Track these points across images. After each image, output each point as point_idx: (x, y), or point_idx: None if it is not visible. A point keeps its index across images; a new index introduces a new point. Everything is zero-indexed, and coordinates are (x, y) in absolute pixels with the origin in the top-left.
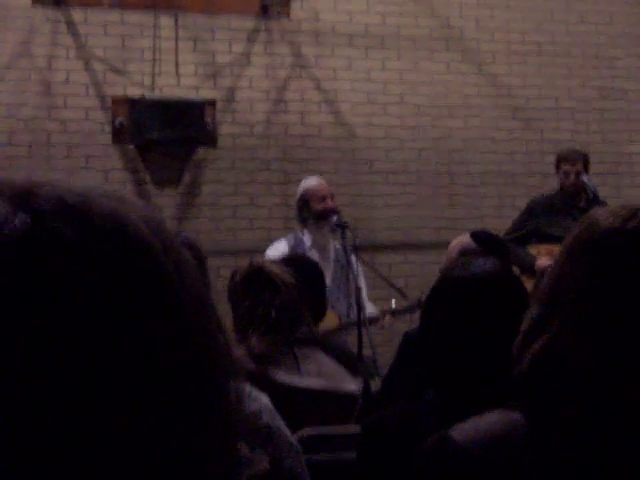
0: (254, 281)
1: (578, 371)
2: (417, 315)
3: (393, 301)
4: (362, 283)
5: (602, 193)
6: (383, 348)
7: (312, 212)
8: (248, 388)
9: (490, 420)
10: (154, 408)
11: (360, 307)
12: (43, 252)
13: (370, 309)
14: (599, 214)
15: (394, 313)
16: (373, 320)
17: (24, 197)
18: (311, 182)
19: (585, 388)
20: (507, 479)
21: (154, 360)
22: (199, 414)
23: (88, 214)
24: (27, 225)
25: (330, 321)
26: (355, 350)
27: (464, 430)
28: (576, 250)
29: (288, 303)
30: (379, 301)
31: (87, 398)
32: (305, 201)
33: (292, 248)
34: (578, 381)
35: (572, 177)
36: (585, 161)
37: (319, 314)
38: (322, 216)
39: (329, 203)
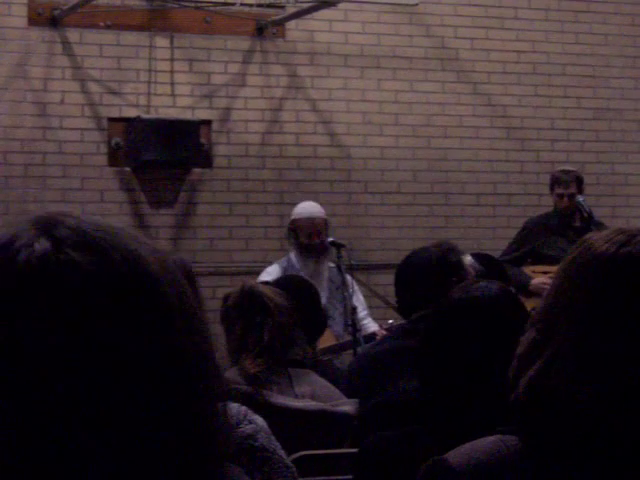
0: (246, 304)
1: (573, 397)
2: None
3: (391, 321)
4: (358, 302)
5: (597, 213)
6: None
7: (299, 242)
8: (244, 410)
9: (486, 445)
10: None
11: (355, 326)
12: (58, 276)
13: (370, 325)
14: (595, 239)
15: (390, 330)
16: (371, 336)
17: (49, 225)
18: (303, 212)
19: (581, 415)
20: None
21: (150, 377)
22: (188, 431)
23: (104, 246)
24: (46, 251)
25: (327, 340)
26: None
27: (460, 455)
28: (571, 275)
29: (281, 325)
30: (376, 321)
31: (89, 406)
32: (293, 230)
33: (284, 271)
34: (574, 408)
35: (566, 200)
36: (579, 182)
37: (317, 332)
38: (307, 250)
39: (316, 240)
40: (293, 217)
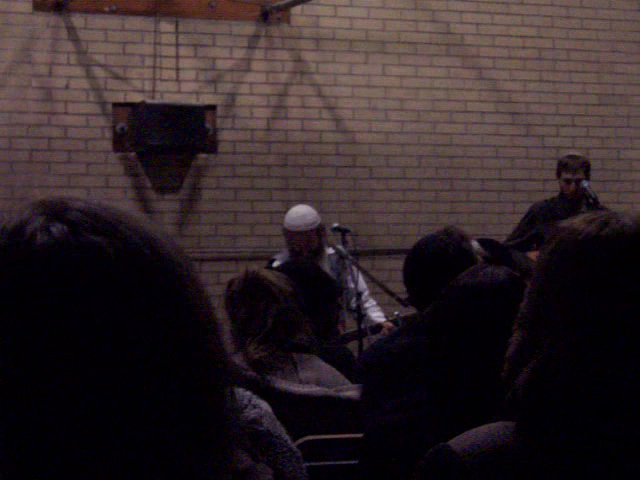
0: (250, 290)
1: (577, 391)
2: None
3: (397, 312)
4: (362, 287)
5: (602, 199)
6: None
7: (290, 249)
8: (248, 395)
9: (490, 431)
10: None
11: (360, 312)
12: (79, 259)
13: (375, 314)
14: (573, 225)
15: (396, 322)
16: (376, 328)
17: (59, 210)
18: (292, 224)
19: (581, 411)
20: None
21: (164, 361)
22: (199, 416)
23: (121, 229)
24: (64, 234)
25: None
26: (355, 355)
27: (464, 441)
28: (555, 266)
29: (285, 310)
30: (381, 306)
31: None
32: (286, 235)
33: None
34: (578, 401)
35: (573, 185)
36: (586, 168)
37: (329, 314)
38: (299, 255)
39: (305, 252)
40: (285, 226)
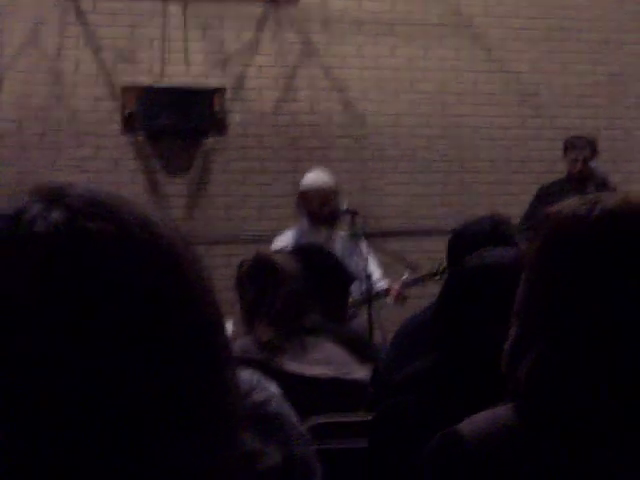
0: (260, 271)
1: (578, 380)
2: (428, 287)
3: (405, 274)
4: (373, 269)
5: (612, 179)
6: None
7: (308, 212)
8: (257, 377)
9: (499, 415)
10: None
11: (370, 293)
12: (79, 246)
13: (383, 285)
14: (562, 210)
15: (406, 284)
16: (383, 292)
17: (57, 196)
18: (312, 184)
19: (592, 396)
20: (516, 474)
21: (171, 346)
22: (197, 398)
23: (120, 215)
24: (64, 220)
25: None
26: (365, 335)
27: (472, 425)
28: (545, 252)
29: (294, 293)
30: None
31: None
32: (303, 199)
33: (297, 238)
34: (580, 389)
35: (579, 164)
36: (592, 146)
37: (340, 296)
38: (318, 219)
39: (326, 210)
40: (302, 189)
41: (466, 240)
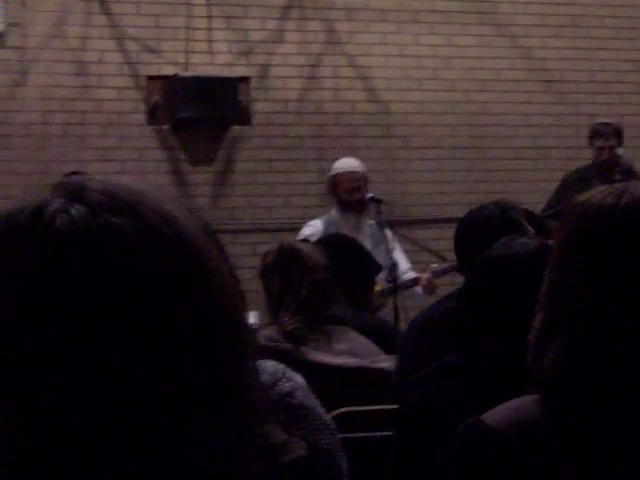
0: (285, 261)
1: (608, 372)
2: (457, 277)
3: (434, 265)
4: (398, 257)
5: (637, 166)
6: None
7: (339, 199)
8: (282, 368)
9: (523, 405)
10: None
11: (396, 282)
12: (99, 241)
13: (411, 275)
14: (589, 199)
15: (435, 273)
16: (411, 282)
17: (77, 192)
18: (344, 167)
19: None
20: (541, 463)
21: (185, 338)
22: (221, 391)
23: (140, 209)
24: (84, 215)
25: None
26: (391, 324)
27: (497, 415)
28: (572, 242)
29: (319, 282)
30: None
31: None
32: (334, 185)
33: (326, 225)
34: (609, 380)
35: (606, 152)
36: (618, 134)
37: (366, 286)
38: (347, 205)
39: (355, 196)
40: (333, 172)
41: (475, 228)
